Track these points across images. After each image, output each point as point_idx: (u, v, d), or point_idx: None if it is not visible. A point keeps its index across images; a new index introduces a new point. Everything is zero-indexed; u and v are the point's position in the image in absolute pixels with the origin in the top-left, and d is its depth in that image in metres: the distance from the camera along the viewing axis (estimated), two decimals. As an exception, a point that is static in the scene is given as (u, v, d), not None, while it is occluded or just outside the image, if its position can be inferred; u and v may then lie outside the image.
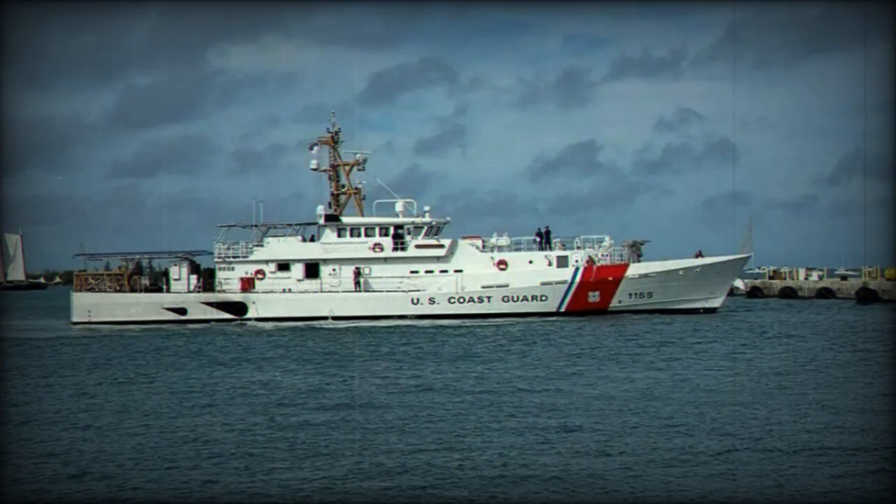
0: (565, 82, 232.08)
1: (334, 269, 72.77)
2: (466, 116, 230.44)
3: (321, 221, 73.67)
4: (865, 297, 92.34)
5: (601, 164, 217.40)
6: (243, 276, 73.01)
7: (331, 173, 76.08)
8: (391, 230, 73.33)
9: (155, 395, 34.03)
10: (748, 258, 78.79)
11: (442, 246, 73.04)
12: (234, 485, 20.85)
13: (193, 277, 73.83)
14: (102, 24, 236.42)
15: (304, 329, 64.55)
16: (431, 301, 71.78)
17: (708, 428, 26.49)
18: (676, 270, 73.87)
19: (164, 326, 68.74)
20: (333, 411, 29.63)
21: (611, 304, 72.73)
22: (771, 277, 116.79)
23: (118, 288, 73.55)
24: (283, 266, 73.39)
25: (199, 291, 73.24)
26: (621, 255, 74.18)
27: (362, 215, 75.24)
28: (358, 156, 76.27)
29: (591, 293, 72.46)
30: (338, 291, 72.36)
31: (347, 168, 75.89)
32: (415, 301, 71.80)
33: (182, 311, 72.17)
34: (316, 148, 76.01)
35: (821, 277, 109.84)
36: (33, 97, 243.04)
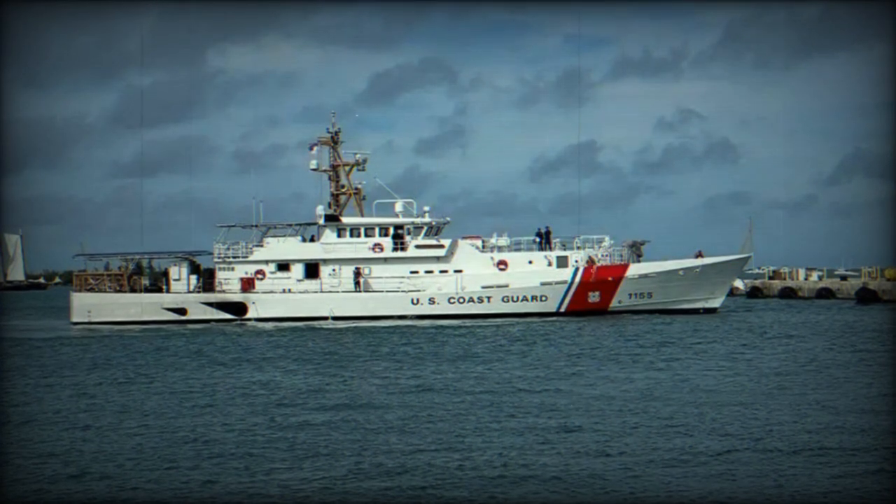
0: (565, 82, 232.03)
1: (334, 270, 72.81)
2: (466, 116, 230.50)
3: (321, 222, 73.70)
4: (865, 297, 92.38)
5: (601, 164, 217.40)
6: (243, 276, 73.05)
7: (331, 173, 76.12)
8: (391, 230, 73.36)
9: (155, 395, 34.03)
10: (748, 258, 78.80)
11: (442, 246, 73.07)
12: (234, 485, 20.85)
13: (193, 277, 73.86)
14: (102, 24, 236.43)
15: (305, 329, 64.55)
16: (431, 301, 71.80)
17: (708, 428, 26.49)
18: (676, 270, 73.89)
19: (164, 327, 68.74)
20: (333, 411, 29.64)
21: (611, 305, 72.75)
22: (771, 277, 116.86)
23: (118, 288, 73.58)
24: (283, 266, 73.43)
25: (199, 292, 73.26)
26: (621, 256, 74.21)
27: (362, 215, 75.27)
28: (358, 156, 76.33)
29: (591, 293, 72.48)
30: (338, 292, 72.39)
31: (347, 168, 75.92)
32: (415, 301, 71.82)
33: (182, 311, 72.20)
34: (316, 148, 76.07)
35: (821, 278, 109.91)
36: (33, 97, 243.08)
